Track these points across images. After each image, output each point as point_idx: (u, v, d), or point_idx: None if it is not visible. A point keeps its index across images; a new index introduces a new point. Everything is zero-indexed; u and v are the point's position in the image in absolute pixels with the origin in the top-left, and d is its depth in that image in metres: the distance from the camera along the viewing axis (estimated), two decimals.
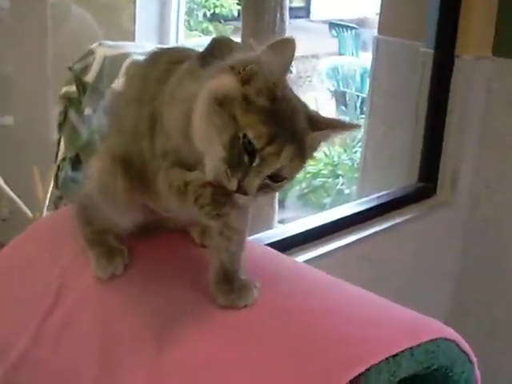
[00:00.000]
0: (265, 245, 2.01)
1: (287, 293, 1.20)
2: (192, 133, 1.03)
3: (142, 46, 2.98)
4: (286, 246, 2.14)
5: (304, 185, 4.24)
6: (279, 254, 1.44)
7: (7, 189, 3.23)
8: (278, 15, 2.66)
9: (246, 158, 0.99)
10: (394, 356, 1.05)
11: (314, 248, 2.22)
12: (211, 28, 7.21)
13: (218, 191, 1.00)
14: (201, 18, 7.13)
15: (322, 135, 1.04)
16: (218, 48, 1.12)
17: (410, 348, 1.08)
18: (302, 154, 1.02)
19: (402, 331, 1.11)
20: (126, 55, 2.74)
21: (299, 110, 1.03)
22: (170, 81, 1.12)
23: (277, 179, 1.02)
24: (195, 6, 6.87)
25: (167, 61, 1.18)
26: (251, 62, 1.00)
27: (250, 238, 1.98)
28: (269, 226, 2.29)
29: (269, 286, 1.19)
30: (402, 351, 1.07)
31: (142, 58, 2.65)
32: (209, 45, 1.15)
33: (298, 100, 1.05)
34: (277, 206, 2.88)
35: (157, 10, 3.90)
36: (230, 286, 1.15)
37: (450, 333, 1.16)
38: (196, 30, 6.82)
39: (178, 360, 1.10)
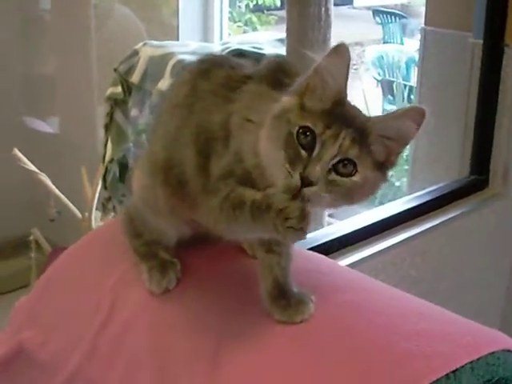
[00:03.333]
0: (315, 246, 2.02)
1: (343, 305, 1.18)
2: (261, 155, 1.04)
3: (187, 44, 2.96)
4: (338, 246, 2.12)
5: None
6: (330, 260, 1.42)
7: (56, 189, 3.25)
8: (323, 9, 2.62)
9: (303, 152, 0.99)
10: (454, 371, 1.03)
11: (366, 247, 2.19)
12: (254, 19, 7.19)
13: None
14: (243, 9, 7.11)
15: (380, 121, 1.02)
16: (282, 71, 1.14)
17: (470, 362, 1.05)
18: (364, 140, 1.00)
19: (462, 345, 1.09)
20: (170, 55, 2.73)
21: (358, 110, 1.04)
22: (236, 101, 1.12)
23: (344, 171, 0.99)
24: None
25: (224, 76, 1.17)
26: (306, 78, 1.02)
27: None
28: (318, 224, 2.26)
29: (324, 298, 1.16)
30: (462, 366, 1.04)
31: (187, 58, 2.66)
32: (269, 65, 1.17)
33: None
34: None
35: (200, 3, 3.88)
36: (287, 300, 1.14)
37: (510, 343, 1.12)
38: (239, 21, 6.80)
39: (235, 376, 1.09)
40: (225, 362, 1.10)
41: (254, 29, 7.02)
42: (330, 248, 2.07)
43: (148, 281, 1.22)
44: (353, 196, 1.02)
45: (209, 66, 1.21)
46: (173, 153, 1.17)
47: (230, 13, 5.03)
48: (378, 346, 1.08)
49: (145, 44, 2.87)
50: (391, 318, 1.15)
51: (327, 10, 2.67)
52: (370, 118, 1.02)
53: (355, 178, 1.00)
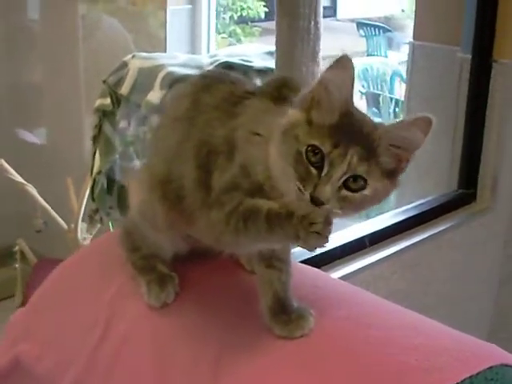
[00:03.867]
0: (306, 259, 2.02)
1: (340, 319, 1.18)
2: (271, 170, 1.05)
3: (176, 56, 2.95)
4: (328, 259, 2.13)
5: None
6: (324, 274, 1.43)
7: (42, 200, 3.24)
8: (313, 22, 2.62)
9: (313, 170, 0.99)
10: None
11: (356, 260, 2.20)
12: (238, 30, 7.19)
13: None
14: (227, 20, 7.12)
15: (387, 131, 1.01)
16: (287, 87, 1.15)
17: (470, 377, 1.05)
18: (372, 153, 1.00)
19: (460, 359, 1.09)
20: (160, 67, 2.73)
21: (366, 119, 1.03)
22: (240, 115, 1.12)
23: (354, 187, 1.00)
24: (222, 9, 6.86)
25: (226, 90, 1.17)
26: (311, 91, 1.02)
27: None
28: None
29: (321, 313, 1.16)
30: (462, 381, 1.04)
31: (177, 70, 2.66)
32: (274, 82, 1.18)
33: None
34: None
35: (187, 15, 3.88)
36: (287, 316, 1.14)
37: (508, 357, 1.12)
38: (224, 32, 6.81)
39: None
40: (225, 374, 1.10)
41: (239, 40, 7.03)
42: (321, 261, 2.07)
43: (147, 294, 1.22)
44: (364, 206, 1.04)
45: (210, 80, 1.22)
46: (172, 167, 1.17)
47: (215, 24, 5.03)
48: (377, 361, 1.08)
49: (134, 56, 2.86)
50: (388, 332, 1.15)
51: (316, 22, 2.68)
52: (378, 126, 1.02)
53: (366, 192, 1.01)
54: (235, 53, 3.06)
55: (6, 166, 3.16)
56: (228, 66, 2.77)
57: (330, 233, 0.99)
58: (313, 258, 2.05)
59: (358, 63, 7.27)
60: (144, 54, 2.89)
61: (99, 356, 1.20)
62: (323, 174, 0.99)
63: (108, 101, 2.85)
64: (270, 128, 1.05)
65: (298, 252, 2.08)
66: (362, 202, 1.02)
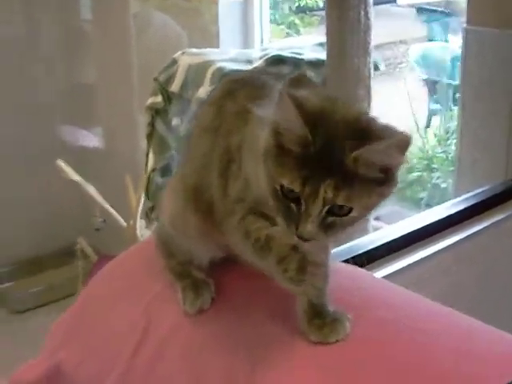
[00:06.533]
0: (361, 253, 1.99)
1: (381, 322, 1.14)
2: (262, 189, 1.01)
3: (226, 52, 2.95)
4: (383, 252, 2.09)
5: (398, 179, 4.14)
6: (366, 273, 1.39)
7: (100, 198, 3.26)
8: (363, 12, 2.59)
9: (292, 206, 0.95)
10: None
11: (411, 253, 2.16)
12: (297, 21, 7.15)
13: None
14: (286, 10, 7.08)
15: (365, 152, 0.93)
16: (302, 87, 1.03)
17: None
18: (350, 177, 0.93)
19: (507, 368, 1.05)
20: (209, 63, 2.73)
21: (341, 136, 0.94)
22: (248, 123, 1.07)
23: (339, 212, 0.95)
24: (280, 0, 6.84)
25: (249, 95, 1.12)
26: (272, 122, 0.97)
27: (343, 247, 1.97)
28: (363, 231, 2.23)
29: (360, 316, 1.13)
30: None
31: (227, 65, 2.65)
32: (288, 83, 1.06)
33: (348, 113, 0.97)
34: None
35: (240, 8, 3.87)
36: (322, 320, 1.10)
37: None
38: (282, 23, 6.78)
39: None
40: (261, 383, 1.08)
41: (297, 31, 6.98)
42: (375, 255, 2.04)
43: (182, 300, 1.20)
44: (359, 220, 0.99)
45: (236, 85, 1.18)
46: (202, 177, 1.15)
47: (273, 15, 5.00)
48: (416, 367, 1.05)
49: (183, 53, 2.87)
50: (434, 338, 1.11)
51: (366, 13, 2.64)
52: (351, 147, 0.93)
53: (354, 214, 0.96)
54: (287, 45, 3.05)
55: (64, 165, 3.19)
56: (278, 59, 2.76)
57: (304, 277, 0.99)
58: (366, 252, 2.04)
59: (418, 49, 7.17)
60: (194, 50, 2.89)
61: (137, 363, 1.19)
62: (302, 211, 0.94)
63: (159, 98, 2.86)
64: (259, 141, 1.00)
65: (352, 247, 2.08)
66: (352, 221, 0.97)
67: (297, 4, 7.15)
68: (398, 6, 9.87)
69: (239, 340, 1.14)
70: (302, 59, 2.78)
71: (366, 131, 0.95)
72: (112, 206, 3.29)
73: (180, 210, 1.19)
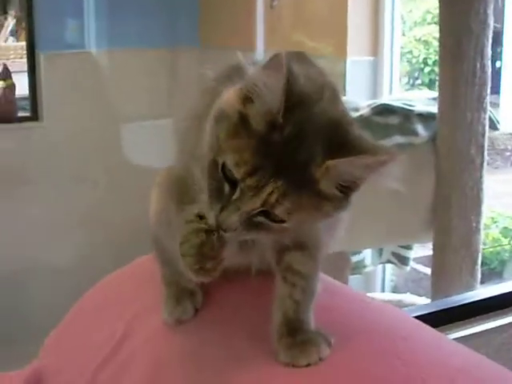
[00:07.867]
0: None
1: (363, 351, 0.97)
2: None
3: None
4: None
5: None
6: (372, 300, 1.21)
7: None
8: (479, 65, 2.45)
9: (226, 188, 0.83)
10: None
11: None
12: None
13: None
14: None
15: (344, 164, 0.80)
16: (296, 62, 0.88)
17: None
18: (303, 189, 0.81)
19: None
20: None
21: (315, 135, 0.81)
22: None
23: (274, 218, 0.83)
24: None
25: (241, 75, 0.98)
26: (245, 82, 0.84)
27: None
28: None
29: (347, 342, 0.97)
30: None
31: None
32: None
33: (331, 111, 0.84)
34: (479, 272, 2.61)
35: (369, 67, 3.76)
36: (292, 338, 0.95)
37: None
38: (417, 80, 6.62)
39: None
40: None
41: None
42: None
43: (163, 310, 1.09)
44: (290, 230, 0.86)
45: (232, 70, 1.03)
46: (188, 171, 1.03)
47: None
48: None
49: None
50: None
51: (483, 66, 2.49)
52: (335, 153, 0.80)
53: (286, 225, 0.83)
54: (400, 98, 2.91)
55: None
56: (386, 108, 2.63)
57: (206, 266, 0.87)
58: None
59: None
60: None
61: (103, 374, 1.09)
62: (234, 198, 0.82)
63: None
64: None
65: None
66: (284, 230, 0.84)
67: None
68: None
69: (207, 359, 1.01)
70: (412, 111, 2.64)
71: (346, 138, 0.82)
72: None
73: (164, 205, 1.08)
